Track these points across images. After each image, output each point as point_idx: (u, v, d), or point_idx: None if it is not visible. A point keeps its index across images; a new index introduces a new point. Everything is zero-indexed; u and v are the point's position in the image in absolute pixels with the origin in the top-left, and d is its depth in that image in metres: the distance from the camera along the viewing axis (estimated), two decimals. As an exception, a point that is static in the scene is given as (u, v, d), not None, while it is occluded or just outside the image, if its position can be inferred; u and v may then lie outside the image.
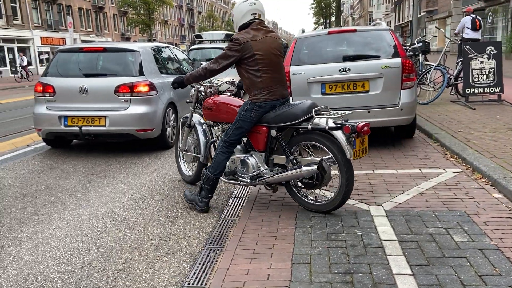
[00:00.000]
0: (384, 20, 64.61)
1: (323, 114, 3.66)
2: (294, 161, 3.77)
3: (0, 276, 3.07)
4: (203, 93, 4.61)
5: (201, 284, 2.79)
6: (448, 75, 9.28)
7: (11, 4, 37.52)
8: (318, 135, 3.65)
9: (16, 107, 14.40)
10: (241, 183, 4.08)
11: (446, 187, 4.21)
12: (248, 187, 4.48)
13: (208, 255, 3.19)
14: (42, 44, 41.53)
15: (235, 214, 3.96)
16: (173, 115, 7.12)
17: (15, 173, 5.79)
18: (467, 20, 11.31)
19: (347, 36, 6.23)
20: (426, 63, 10.79)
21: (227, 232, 3.57)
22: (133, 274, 3.03)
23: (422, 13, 39.29)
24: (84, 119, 6.27)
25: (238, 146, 4.13)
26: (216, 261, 3.06)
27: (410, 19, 44.28)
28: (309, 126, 3.64)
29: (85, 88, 6.29)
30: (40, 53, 41.51)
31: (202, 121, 4.73)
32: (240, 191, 4.56)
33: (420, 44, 11.03)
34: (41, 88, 6.57)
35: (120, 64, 6.62)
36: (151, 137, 6.54)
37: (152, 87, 6.41)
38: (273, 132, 3.83)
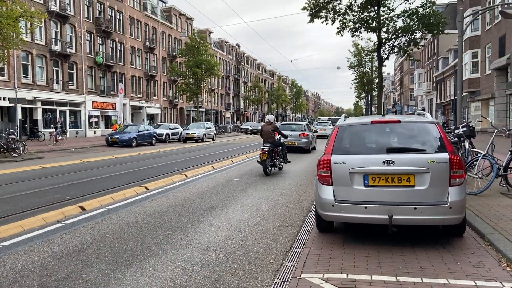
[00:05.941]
0: (425, 98, 64.49)
1: None
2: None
3: None
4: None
5: None
6: (497, 166, 8.75)
7: (68, 71, 40.10)
8: None
9: (58, 172, 14.19)
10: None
11: (506, 310, 3.67)
12: None
13: None
14: (93, 108, 43.56)
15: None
16: (312, 143, 22.58)
17: (38, 256, 5.52)
18: None
19: (391, 127, 6.00)
20: (473, 149, 10.28)
21: None
22: None
23: (464, 93, 38.73)
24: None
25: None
26: None
27: (452, 98, 43.79)
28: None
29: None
30: (90, 116, 43.43)
31: None
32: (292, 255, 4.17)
33: (465, 129, 10.58)
34: None
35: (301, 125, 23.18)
36: (306, 149, 21.61)
37: (307, 134, 21.82)
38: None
